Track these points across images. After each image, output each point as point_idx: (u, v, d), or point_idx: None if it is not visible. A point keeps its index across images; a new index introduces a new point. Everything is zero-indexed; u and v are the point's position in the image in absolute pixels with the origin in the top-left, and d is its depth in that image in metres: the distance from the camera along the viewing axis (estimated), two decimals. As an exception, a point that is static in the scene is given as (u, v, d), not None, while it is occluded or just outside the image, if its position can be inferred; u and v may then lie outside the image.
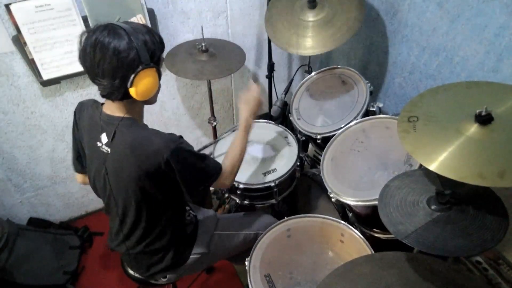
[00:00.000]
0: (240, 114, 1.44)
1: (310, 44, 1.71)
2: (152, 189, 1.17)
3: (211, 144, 1.88)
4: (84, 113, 1.24)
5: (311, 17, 1.73)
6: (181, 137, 1.16)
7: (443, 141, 1.00)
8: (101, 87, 1.08)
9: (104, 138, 1.16)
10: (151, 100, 1.19)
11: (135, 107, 1.17)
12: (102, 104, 1.21)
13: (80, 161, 1.35)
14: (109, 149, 1.15)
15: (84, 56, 1.04)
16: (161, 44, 1.12)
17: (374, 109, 1.72)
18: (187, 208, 1.49)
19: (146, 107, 1.23)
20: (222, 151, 1.80)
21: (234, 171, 1.36)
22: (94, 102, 1.25)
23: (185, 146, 1.15)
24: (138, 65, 1.03)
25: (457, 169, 0.93)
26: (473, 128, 0.99)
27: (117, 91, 1.07)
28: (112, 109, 1.15)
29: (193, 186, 1.22)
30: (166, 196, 1.23)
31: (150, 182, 1.14)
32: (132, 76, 1.03)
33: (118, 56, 1.00)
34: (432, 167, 0.96)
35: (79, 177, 1.42)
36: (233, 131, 1.91)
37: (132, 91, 1.06)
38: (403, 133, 1.06)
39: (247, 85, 1.51)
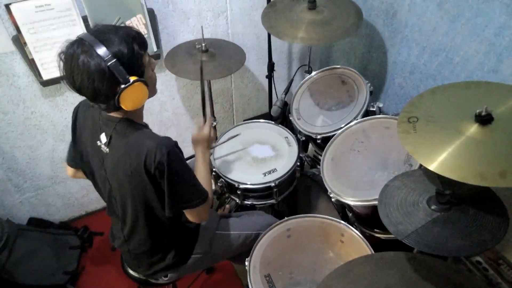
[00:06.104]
0: (196, 150, 1.42)
1: (304, 35, 1.69)
2: (146, 191, 1.15)
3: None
4: (86, 113, 1.24)
5: (309, 16, 1.73)
6: (176, 143, 1.14)
7: (443, 141, 1.00)
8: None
9: (103, 138, 1.16)
10: (149, 96, 1.17)
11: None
12: None
13: (81, 156, 1.32)
14: (107, 150, 1.16)
15: (68, 82, 1.04)
16: (141, 47, 1.07)
17: (374, 109, 1.72)
18: None
19: (146, 107, 1.23)
20: (221, 154, 1.79)
21: (211, 203, 1.30)
22: None
23: (178, 153, 1.14)
24: (117, 86, 1.02)
25: (457, 169, 0.93)
26: (473, 128, 0.99)
27: (107, 108, 1.09)
28: None
29: (178, 199, 1.17)
30: (161, 198, 1.20)
31: (144, 184, 1.13)
32: (116, 97, 1.03)
33: (93, 85, 1.00)
34: (432, 167, 0.96)
35: (70, 170, 1.40)
36: (232, 134, 1.88)
37: (123, 106, 1.06)
38: (403, 134, 1.06)
39: (196, 124, 1.46)
